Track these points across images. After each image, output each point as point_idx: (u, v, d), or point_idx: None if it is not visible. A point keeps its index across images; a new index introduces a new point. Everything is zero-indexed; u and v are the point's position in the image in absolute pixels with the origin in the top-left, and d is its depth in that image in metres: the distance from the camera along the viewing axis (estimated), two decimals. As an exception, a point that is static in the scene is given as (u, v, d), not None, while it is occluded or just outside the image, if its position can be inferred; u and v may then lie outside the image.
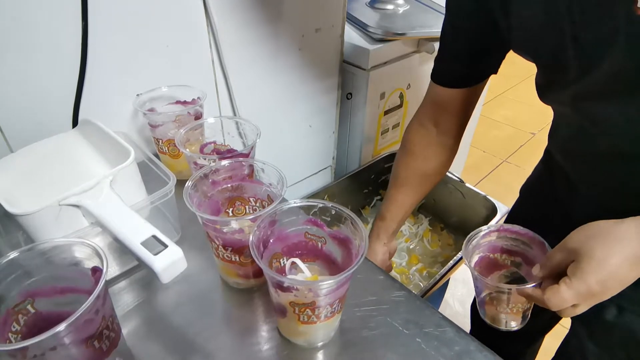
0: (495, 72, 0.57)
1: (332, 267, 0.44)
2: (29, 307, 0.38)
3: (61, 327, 0.30)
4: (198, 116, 0.64)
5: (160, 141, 0.63)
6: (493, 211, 0.99)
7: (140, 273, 0.52)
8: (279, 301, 0.39)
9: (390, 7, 1.18)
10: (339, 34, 0.94)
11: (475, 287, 0.52)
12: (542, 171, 0.64)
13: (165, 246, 0.38)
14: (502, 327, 0.51)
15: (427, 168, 0.68)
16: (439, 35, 1.09)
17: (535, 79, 0.50)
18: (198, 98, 0.66)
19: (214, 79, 0.76)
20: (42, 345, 0.30)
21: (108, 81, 0.63)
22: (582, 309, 0.41)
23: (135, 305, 0.48)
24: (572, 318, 0.59)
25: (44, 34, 0.55)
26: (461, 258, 0.87)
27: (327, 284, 0.35)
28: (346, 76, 1.04)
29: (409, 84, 1.15)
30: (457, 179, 1.06)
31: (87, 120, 0.54)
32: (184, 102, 0.67)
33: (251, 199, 0.51)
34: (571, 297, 0.39)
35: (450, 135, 0.65)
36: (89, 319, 0.33)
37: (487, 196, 1.01)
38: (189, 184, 0.44)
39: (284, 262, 0.44)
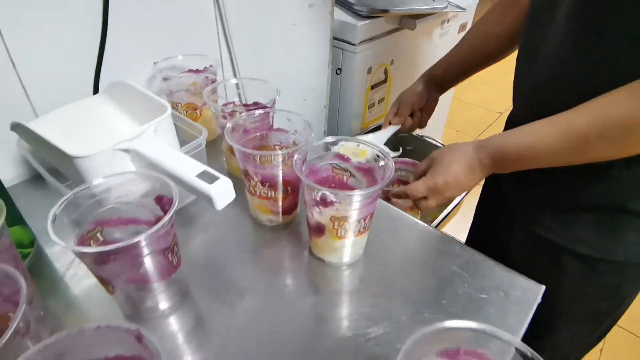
0: None
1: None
2: (98, 234, 0.42)
3: (162, 223, 0.35)
4: (213, 82, 0.69)
5: (179, 105, 0.68)
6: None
7: (181, 216, 0.57)
8: (319, 220, 0.45)
9: (371, -13, 1.25)
10: (329, 10, 1.00)
11: None
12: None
13: (217, 177, 0.44)
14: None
15: (497, 29, 0.67)
16: (418, 12, 1.17)
17: None
18: (210, 66, 0.71)
19: (219, 50, 0.81)
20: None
21: (125, 50, 0.66)
22: (431, 202, 0.54)
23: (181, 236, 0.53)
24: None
25: (68, 4, 0.58)
26: (451, 210, 0.96)
27: (363, 193, 0.42)
28: (335, 52, 1.11)
29: (392, 60, 1.23)
30: (440, 145, 1.15)
31: (118, 82, 0.58)
32: (196, 71, 0.72)
33: (276, 147, 0.57)
34: (423, 189, 0.54)
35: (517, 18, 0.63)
36: (166, 231, 0.38)
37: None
38: (229, 125, 0.50)
39: (314, 195, 0.50)
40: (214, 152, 0.69)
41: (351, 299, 0.47)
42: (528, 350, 0.27)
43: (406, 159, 0.66)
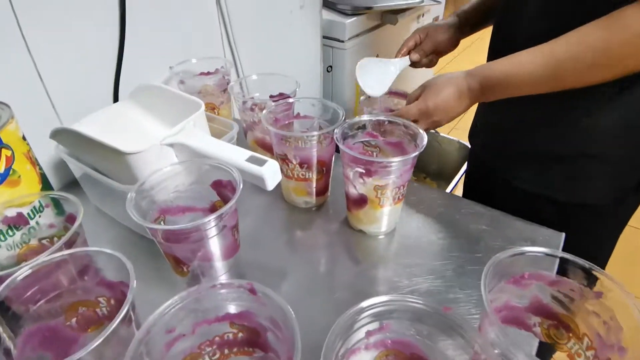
0: None
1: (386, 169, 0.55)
2: (162, 223, 0.45)
3: (232, 202, 0.38)
4: (228, 82, 0.72)
5: (198, 106, 0.70)
6: (467, 152, 1.16)
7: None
8: (362, 191, 0.49)
9: (349, -13, 1.31)
10: (318, 10, 1.05)
11: None
12: None
13: (266, 160, 0.47)
14: None
15: None
16: (398, 7, 1.23)
17: None
18: (222, 67, 0.74)
19: (223, 52, 0.84)
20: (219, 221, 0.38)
21: (141, 57, 0.69)
22: (421, 125, 0.57)
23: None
24: None
25: (87, 16, 0.60)
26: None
27: (400, 160, 0.46)
28: (325, 51, 1.15)
29: (377, 54, 1.29)
30: (432, 131, 1.21)
31: (144, 85, 0.60)
32: (208, 73, 0.74)
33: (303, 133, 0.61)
34: (414, 112, 0.57)
35: None
36: (234, 210, 0.41)
37: (460, 140, 1.18)
38: (265, 112, 0.53)
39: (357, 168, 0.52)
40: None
41: (396, 262, 0.51)
42: (580, 260, 0.31)
43: (398, 90, 0.74)
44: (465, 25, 0.75)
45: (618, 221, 0.66)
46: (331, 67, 1.19)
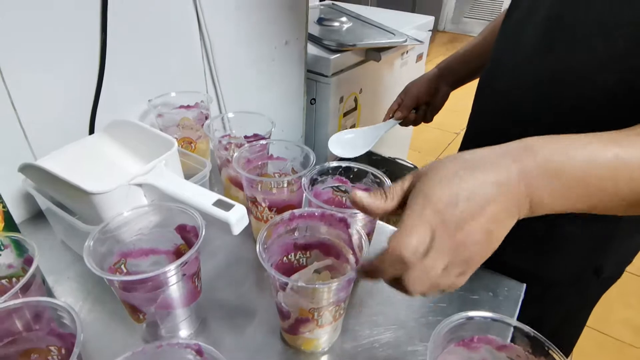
0: None
1: (355, 216, 0.56)
2: (122, 267, 0.44)
3: (192, 250, 0.38)
4: (206, 117, 0.73)
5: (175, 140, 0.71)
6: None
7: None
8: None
9: (336, 24, 1.36)
10: (302, 46, 1.07)
11: None
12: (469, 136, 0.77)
13: (233, 205, 0.47)
14: None
15: None
16: (382, 46, 1.27)
17: None
18: (202, 101, 0.74)
19: (205, 86, 0.85)
20: (170, 274, 0.38)
21: (120, 89, 0.69)
22: (433, 258, 0.28)
23: (189, 272, 0.55)
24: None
25: (66, 47, 0.60)
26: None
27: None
28: (309, 84, 1.18)
29: (361, 89, 1.32)
30: (412, 166, 1.24)
31: (119, 120, 0.60)
32: (188, 106, 0.75)
33: (276, 174, 0.61)
34: (416, 224, 0.28)
35: None
36: (195, 257, 0.41)
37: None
38: (236, 156, 0.54)
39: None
40: (210, 182, 0.72)
41: (361, 309, 0.51)
42: (526, 327, 0.32)
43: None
44: (448, 74, 0.74)
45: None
46: (314, 99, 1.22)
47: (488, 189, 0.28)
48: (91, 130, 0.68)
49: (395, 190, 0.32)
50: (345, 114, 1.29)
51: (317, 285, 0.37)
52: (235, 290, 0.53)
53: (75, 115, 0.65)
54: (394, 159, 1.23)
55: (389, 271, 0.30)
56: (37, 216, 0.65)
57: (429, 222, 0.28)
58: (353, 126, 1.38)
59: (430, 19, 1.60)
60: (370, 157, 1.23)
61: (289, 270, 0.46)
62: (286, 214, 0.43)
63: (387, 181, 0.50)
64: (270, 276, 0.37)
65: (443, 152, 2.54)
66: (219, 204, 0.48)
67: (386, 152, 1.23)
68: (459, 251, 0.28)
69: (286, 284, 0.36)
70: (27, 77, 0.58)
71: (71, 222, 0.49)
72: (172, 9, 0.72)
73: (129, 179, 0.49)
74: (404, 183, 0.32)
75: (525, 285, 0.55)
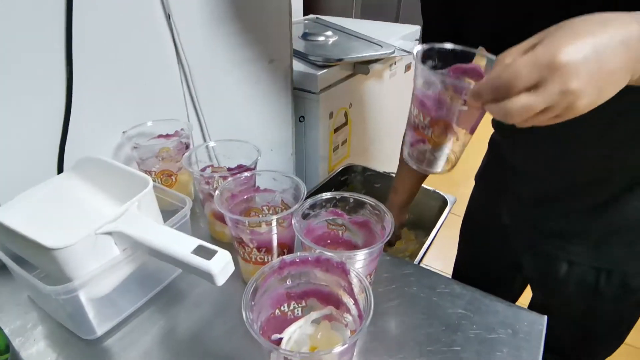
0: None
1: (354, 249, 0.51)
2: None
3: None
4: (187, 146, 0.67)
5: (153, 173, 0.65)
6: (444, 202, 1.13)
7: (165, 296, 0.53)
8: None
9: (321, 38, 1.32)
10: (288, 64, 1.03)
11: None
12: (489, 159, 0.77)
13: (215, 252, 0.42)
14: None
15: None
16: (370, 58, 1.24)
17: None
18: (182, 129, 0.69)
19: (186, 112, 0.80)
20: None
21: (90, 122, 0.64)
22: (539, 101, 0.30)
23: (167, 325, 0.49)
24: (530, 284, 0.70)
25: (27, 78, 0.55)
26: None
27: (367, 251, 0.41)
28: (297, 101, 1.13)
29: (351, 103, 1.28)
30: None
31: (88, 157, 0.54)
32: (167, 135, 0.70)
33: (264, 208, 0.56)
34: (528, 69, 0.29)
35: None
36: None
37: (436, 190, 1.15)
38: (218, 193, 0.48)
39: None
40: (193, 217, 0.66)
41: (366, 356, 0.45)
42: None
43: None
44: (404, 203, 0.82)
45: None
46: (303, 117, 1.17)
47: (616, 45, 0.29)
48: (60, 169, 0.62)
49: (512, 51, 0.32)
50: (336, 130, 1.25)
51: (322, 354, 0.31)
52: (226, 344, 0.47)
53: (41, 154, 0.59)
54: (389, 173, 1.18)
55: (527, 76, 0.30)
56: (3, 266, 0.58)
57: (541, 62, 0.29)
58: (345, 141, 1.33)
59: (416, 28, 1.57)
60: (364, 173, 1.18)
61: (282, 323, 0.41)
62: (275, 262, 0.38)
63: (388, 213, 0.45)
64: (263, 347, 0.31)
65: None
66: (199, 251, 0.42)
67: (380, 167, 1.18)
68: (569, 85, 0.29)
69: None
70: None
71: (32, 284, 0.43)
72: (144, 33, 0.67)
73: (95, 228, 0.43)
74: (529, 42, 0.32)
75: (546, 317, 0.49)
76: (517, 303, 0.54)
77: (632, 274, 0.54)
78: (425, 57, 0.41)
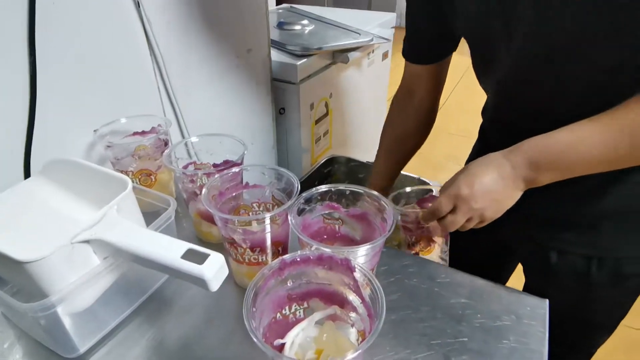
0: (454, 50, 0.64)
1: (351, 244, 0.49)
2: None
3: None
4: (166, 143, 0.63)
5: (130, 173, 0.61)
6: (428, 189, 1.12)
7: (152, 305, 0.49)
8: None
9: (297, 27, 1.28)
10: (266, 53, 0.99)
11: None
12: (480, 147, 0.76)
13: (207, 255, 0.39)
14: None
15: (404, 130, 0.72)
16: (349, 47, 1.21)
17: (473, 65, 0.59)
18: (159, 125, 0.65)
19: (162, 107, 0.75)
20: None
21: (57, 121, 0.59)
22: (459, 216, 0.48)
23: (156, 336, 0.46)
24: (524, 270, 0.70)
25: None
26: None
27: (370, 246, 0.39)
28: (277, 92, 1.09)
29: (331, 93, 1.25)
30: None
31: (57, 159, 0.50)
32: (143, 132, 0.65)
33: (254, 204, 0.53)
34: (446, 201, 0.48)
35: (425, 100, 0.69)
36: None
37: (421, 177, 1.15)
38: (205, 192, 0.45)
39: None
40: (176, 218, 0.62)
41: (371, 352, 0.43)
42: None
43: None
44: (384, 188, 0.78)
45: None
46: (284, 109, 1.13)
47: (489, 179, 0.47)
48: (27, 174, 0.56)
49: (443, 188, 0.52)
50: (317, 121, 1.22)
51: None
52: (223, 352, 0.44)
53: (4, 157, 0.54)
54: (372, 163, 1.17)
55: (440, 209, 0.49)
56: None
57: (455, 195, 0.48)
58: (327, 132, 1.31)
59: (392, 15, 1.55)
60: (347, 164, 1.16)
61: (284, 327, 0.38)
62: (275, 263, 0.35)
63: (388, 205, 0.43)
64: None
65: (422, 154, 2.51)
66: (189, 255, 0.39)
67: (362, 156, 1.16)
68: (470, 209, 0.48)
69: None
70: None
71: (4, 300, 0.38)
72: (113, 22, 0.62)
73: (71, 237, 0.39)
74: (449, 182, 0.51)
75: (547, 300, 0.49)
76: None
77: (624, 259, 0.54)
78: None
